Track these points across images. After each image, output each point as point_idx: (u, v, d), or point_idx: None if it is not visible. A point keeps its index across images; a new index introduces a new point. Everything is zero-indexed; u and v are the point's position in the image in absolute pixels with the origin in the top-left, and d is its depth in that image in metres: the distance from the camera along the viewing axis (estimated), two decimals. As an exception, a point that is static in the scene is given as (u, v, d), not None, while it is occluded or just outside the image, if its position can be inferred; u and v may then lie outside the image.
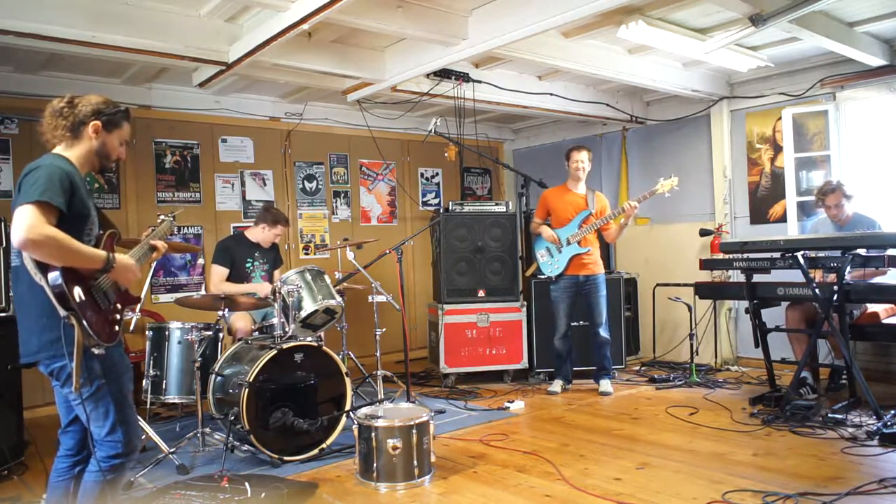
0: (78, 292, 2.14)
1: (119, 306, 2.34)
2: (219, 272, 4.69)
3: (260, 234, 4.84)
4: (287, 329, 3.94)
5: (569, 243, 5.04)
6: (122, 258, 2.29)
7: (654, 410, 4.51)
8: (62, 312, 2.11)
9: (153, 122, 5.61)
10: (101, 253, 2.21)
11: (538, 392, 5.21)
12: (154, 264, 3.97)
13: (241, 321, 4.52)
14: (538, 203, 5.29)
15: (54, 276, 2.10)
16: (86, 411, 2.21)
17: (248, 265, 4.77)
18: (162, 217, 2.77)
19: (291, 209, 6.37)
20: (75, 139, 2.31)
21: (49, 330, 2.16)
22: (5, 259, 3.67)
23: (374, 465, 3.23)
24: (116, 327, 2.30)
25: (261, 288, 4.60)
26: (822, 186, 4.63)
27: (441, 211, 5.79)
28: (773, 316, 4.69)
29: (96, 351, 2.19)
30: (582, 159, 5.08)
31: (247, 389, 3.48)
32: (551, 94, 5.87)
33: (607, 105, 6.29)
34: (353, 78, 5.14)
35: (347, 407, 3.85)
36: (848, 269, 3.91)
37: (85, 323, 2.12)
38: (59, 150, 2.31)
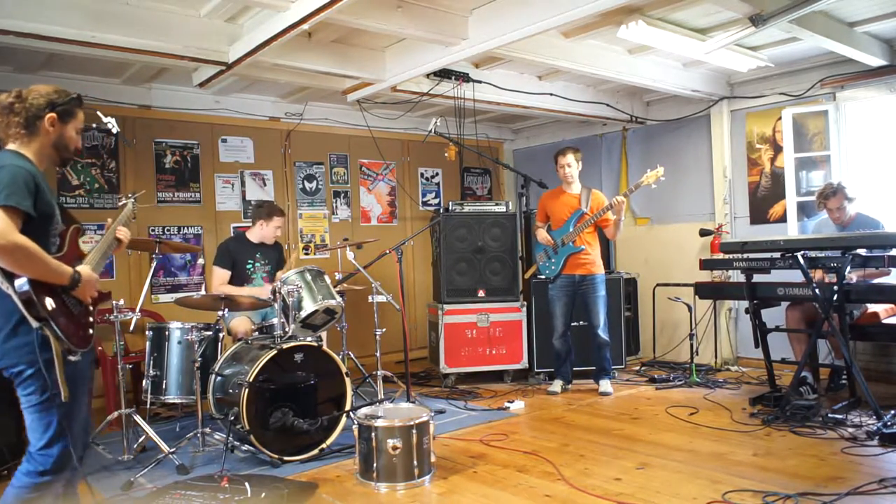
0: (47, 298, 2.06)
1: (91, 308, 2.25)
2: (220, 275, 4.68)
3: (259, 231, 4.83)
4: (287, 329, 3.94)
5: (563, 244, 5.04)
6: (88, 273, 2.20)
7: (654, 410, 4.51)
8: (34, 323, 2.03)
9: (153, 122, 5.61)
10: (68, 270, 2.12)
11: (538, 392, 5.21)
12: (154, 265, 3.96)
13: (241, 322, 4.52)
14: (538, 207, 5.30)
15: (21, 282, 2.01)
16: (28, 419, 2.11)
17: (248, 266, 4.77)
18: (123, 200, 2.69)
19: (291, 209, 6.36)
20: (31, 135, 2.19)
21: (14, 336, 2.07)
22: None
23: (374, 465, 3.22)
24: (90, 330, 2.22)
25: (262, 292, 4.59)
26: (824, 189, 4.61)
27: (441, 211, 5.79)
28: (773, 316, 4.68)
29: (73, 358, 2.10)
30: (567, 162, 5.07)
31: (247, 389, 3.48)
32: (551, 94, 5.87)
33: (607, 105, 6.29)
34: (353, 78, 5.14)
35: (347, 407, 3.85)
36: (848, 269, 3.91)
37: (58, 329, 2.04)
38: (14, 146, 2.19)
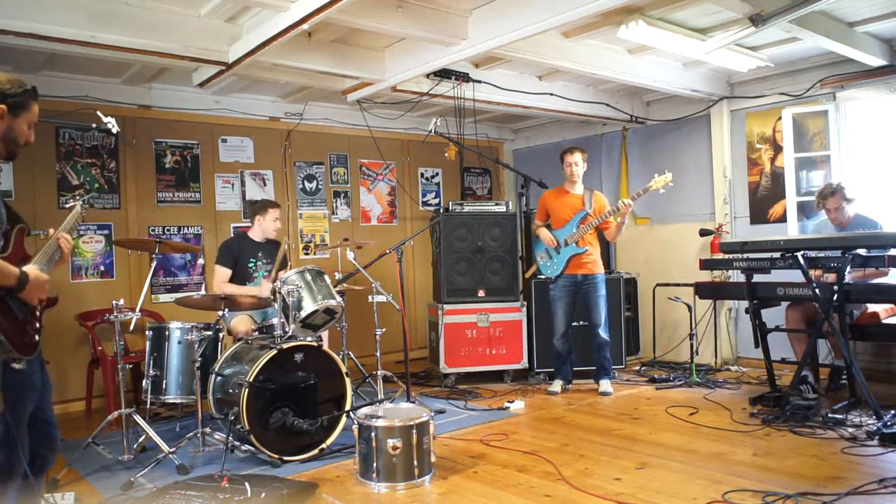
0: None
1: (37, 314, 2.13)
2: (221, 273, 4.68)
3: (259, 227, 4.84)
4: (287, 329, 3.94)
5: (566, 244, 5.04)
6: (36, 274, 2.07)
7: (654, 410, 4.51)
8: None
9: (153, 122, 5.61)
10: (14, 270, 2.00)
11: (538, 392, 5.21)
12: (154, 265, 3.95)
13: (241, 321, 4.52)
14: (538, 205, 5.30)
15: None
16: None
17: (250, 265, 4.77)
18: (71, 203, 2.56)
19: (291, 209, 6.37)
20: None
21: None
22: None
23: (374, 465, 3.22)
24: (36, 336, 2.11)
25: (262, 291, 4.60)
26: (822, 190, 4.61)
27: (441, 211, 5.79)
28: (773, 316, 4.69)
29: (17, 366, 2.00)
30: (575, 161, 5.08)
31: (247, 389, 3.48)
32: (551, 94, 5.87)
33: (607, 105, 6.29)
34: (353, 78, 5.14)
35: (347, 407, 3.85)
36: (848, 269, 3.91)
37: (2, 336, 1.95)
38: None
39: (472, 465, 3.52)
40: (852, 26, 4.65)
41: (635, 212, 6.75)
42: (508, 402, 4.78)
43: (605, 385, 5.07)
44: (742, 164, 5.98)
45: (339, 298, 4.36)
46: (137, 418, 3.72)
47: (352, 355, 5.23)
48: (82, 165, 5.29)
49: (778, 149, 5.70)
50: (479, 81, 5.39)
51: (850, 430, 3.73)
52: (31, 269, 2.08)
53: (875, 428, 3.63)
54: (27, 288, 2.04)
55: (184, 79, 5.23)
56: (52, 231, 2.32)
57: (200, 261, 5.75)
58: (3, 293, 2.01)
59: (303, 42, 4.44)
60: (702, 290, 5.09)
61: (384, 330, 4.92)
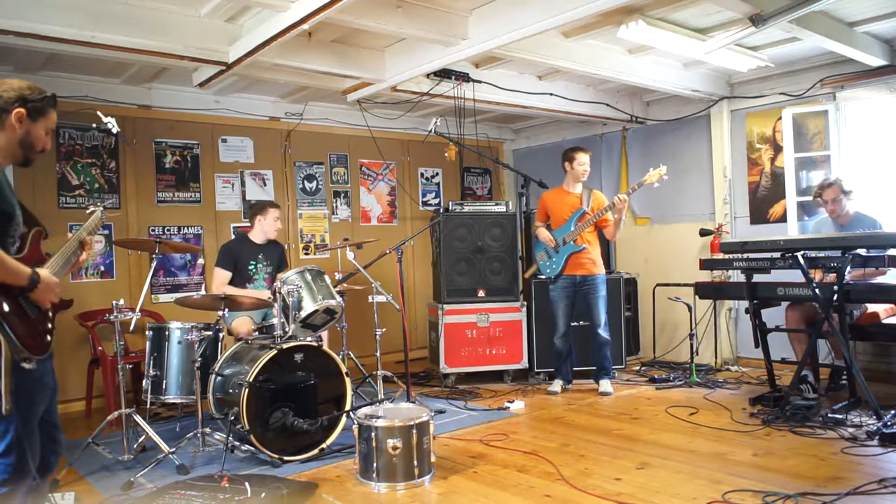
0: (2, 301, 1.96)
1: (50, 314, 2.14)
2: (221, 276, 4.68)
3: (260, 228, 4.83)
4: (287, 329, 3.94)
5: (564, 243, 5.04)
6: (47, 276, 2.09)
7: (654, 410, 4.51)
8: None
9: (153, 122, 5.61)
10: (26, 270, 2.01)
11: (538, 392, 5.21)
12: (154, 265, 3.95)
13: (242, 322, 4.52)
14: (538, 206, 5.30)
15: None
16: None
17: (250, 267, 4.77)
18: (92, 208, 2.60)
19: (291, 209, 6.37)
20: None
21: None
22: None
23: (374, 465, 3.22)
24: (49, 337, 2.12)
25: (263, 294, 4.59)
26: (821, 181, 4.66)
27: (441, 211, 5.79)
28: (773, 316, 4.69)
29: (27, 366, 1.99)
30: (588, 161, 5.11)
31: (247, 389, 3.49)
32: (551, 94, 5.87)
33: (607, 105, 6.29)
34: (353, 78, 5.14)
35: (347, 407, 3.85)
36: (848, 268, 3.91)
37: (12, 335, 1.95)
38: None
39: (472, 465, 3.52)
40: (852, 26, 4.65)
41: (635, 212, 6.76)
42: (508, 402, 4.78)
43: (605, 385, 5.07)
44: (742, 164, 5.98)
45: (339, 298, 4.36)
46: (137, 418, 3.73)
47: (352, 355, 5.23)
48: (82, 165, 5.29)
49: (778, 149, 5.70)
50: (479, 81, 5.39)
51: (850, 430, 3.73)
52: (43, 272, 2.10)
53: (875, 428, 3.63)
54: (38, 289, 2.06)
55: (184, 79, 5.23)
56: (69, 236, 2.35)
57: (200, 261, 5.75)
58: (16, 293, 2.02)
59: (303, 42, 4.44)
60: (702, 290, 5.08)
61: (384, 330, 4.92)
